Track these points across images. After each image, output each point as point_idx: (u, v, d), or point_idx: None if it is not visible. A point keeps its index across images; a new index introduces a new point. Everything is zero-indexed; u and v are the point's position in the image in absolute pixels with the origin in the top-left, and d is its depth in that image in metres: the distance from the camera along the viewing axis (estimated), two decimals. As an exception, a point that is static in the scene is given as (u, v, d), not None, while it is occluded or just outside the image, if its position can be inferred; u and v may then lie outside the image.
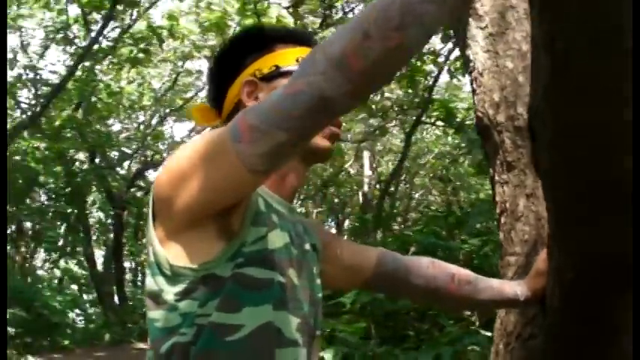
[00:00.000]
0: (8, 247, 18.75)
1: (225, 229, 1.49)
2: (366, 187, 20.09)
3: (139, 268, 26.07)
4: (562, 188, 1.58)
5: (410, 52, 1.29)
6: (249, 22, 14.55)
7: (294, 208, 1.75)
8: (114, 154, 18.71)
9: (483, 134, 2.62)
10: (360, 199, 20.64)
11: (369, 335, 8.05)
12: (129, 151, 19.09)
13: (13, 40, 18.17)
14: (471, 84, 2.71)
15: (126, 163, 20.38)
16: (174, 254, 1.48)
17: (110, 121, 19.77)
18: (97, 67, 16.61)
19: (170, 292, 1.47)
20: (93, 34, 14.12)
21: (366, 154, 20.42)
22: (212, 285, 1.47)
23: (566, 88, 1.35)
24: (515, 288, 2.07)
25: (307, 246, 1.73)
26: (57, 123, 15.83)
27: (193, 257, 1.47)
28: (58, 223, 20.99)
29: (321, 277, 1.84)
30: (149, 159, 19.84)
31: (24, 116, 16.09)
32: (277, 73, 1.70)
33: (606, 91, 1.31)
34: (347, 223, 22.52)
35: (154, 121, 20.82)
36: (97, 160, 18.23)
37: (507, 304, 2.16)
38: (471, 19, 2.70)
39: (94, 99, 16.79)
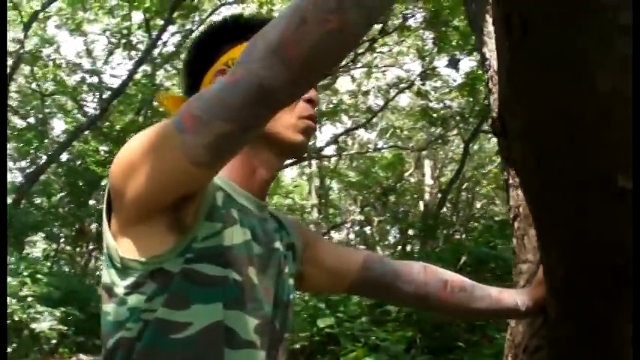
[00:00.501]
0: (68, 248, 19.03)
1: (177, 223, 1.43)
2: (427, 196, 19.92)
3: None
4: (536, 181, 1.47)
5: (351, 37, 1.19)
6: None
7: (263, 204, 1.67)
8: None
9: (499, 136, 2.51)
10: (422, 208, 20.48)
11: (414, 345, 7.94)
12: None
13: (78, 44, 18.39)
14: (487, 84, 2.60)
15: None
16: (125, 247, 1.42)
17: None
18: (160, 72, 16.78)
19: (120, 286, 1.42)
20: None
21: (427, 163, 20.26)
22: (160, 280, 1.41)
23: (526, 69, 1.24)
24: (515, 297, 1.99)
25: (277, 244, 1.65)
26: (118, 127, 16.03)
27: (142, 250, 1.41)
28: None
29: (302, 279, 1.80)
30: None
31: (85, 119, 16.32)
32: None
33: (570, 67, 1.20)
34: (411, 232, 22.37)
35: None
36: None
37: (507, 314, 2.06)
38: (487, 15, 2.59)
39: (155, 103, 16.96)
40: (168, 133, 1.31)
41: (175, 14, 14.19)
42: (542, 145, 1.35)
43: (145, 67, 15.85)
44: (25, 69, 16.83)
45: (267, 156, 1.64)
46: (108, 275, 1.45)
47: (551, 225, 1.55)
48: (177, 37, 16.59)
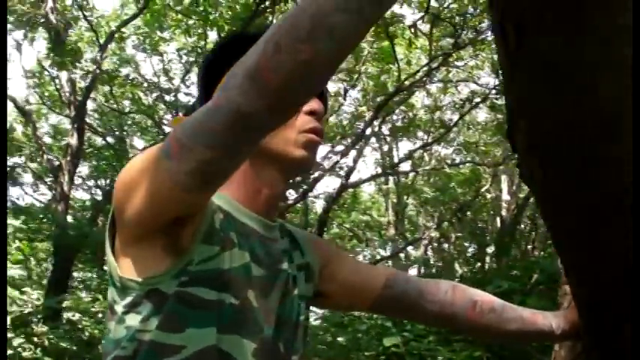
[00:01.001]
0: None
1: (173, 245, 1.42)
2: (504, 212, 19.61)
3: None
4: (548, 198, 1.39)
5: (324, 67, 1.17)
6: (384, 44, 14.77)
7: (270, 224, 1.64)
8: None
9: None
10: (499, 224, 20.18)
11: (482, 365, 7.78)
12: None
13: (155, 63, 18.69)
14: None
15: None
16: (124, 266, 1.44)
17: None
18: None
19: (120, 304, 1.44)
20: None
21: (504, 178, 19.96)
22: (155, 301, 1.42)
23: (524, 79, 1.18)
24: (550, 320, 1.90)
25: (284, 265, 1.63)
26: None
27: (140, 271, 1.42)
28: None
29: (323, 297, 1.77)
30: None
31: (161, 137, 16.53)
32: None
33: (570, 76, 1.12)
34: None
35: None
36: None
37: (541, 337, 1.97)
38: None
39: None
40: (159, 157, 1.31)
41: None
42: (547, 159, 1.28)
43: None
44: (103, 88, 17.14)
45: (271, 174, 1.62)
46: (110, 293, 1.47)
47: (568, 246, 1.47)
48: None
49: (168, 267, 1.41)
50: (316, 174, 16.35)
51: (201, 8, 14.09)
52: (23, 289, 10.73)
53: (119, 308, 1.43)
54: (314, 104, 1.61)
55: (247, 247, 1.54)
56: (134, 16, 14.81)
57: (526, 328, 1.87)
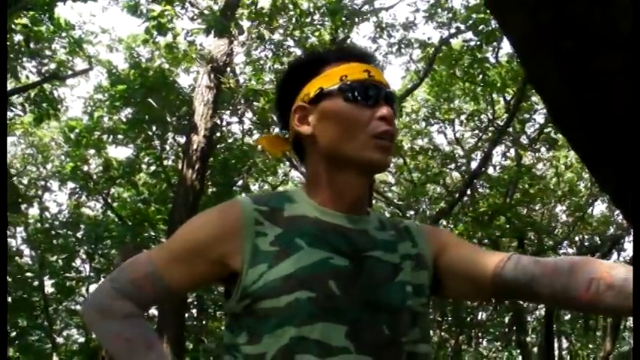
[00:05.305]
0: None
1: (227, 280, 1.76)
2: None
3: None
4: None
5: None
6: None
7: (356, 217, 1.80)
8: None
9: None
10: None
11: None
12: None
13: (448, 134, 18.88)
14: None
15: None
16: None
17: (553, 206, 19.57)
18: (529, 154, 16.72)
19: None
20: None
21: None
22: (236, 320, 1.73)
23: None
24: None
25: (375, 253, 1.76)
26: (482, 209, 16.11)
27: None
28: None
29: (439, 286, 1.85)
30: (586, 244, 19.14)
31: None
32: (321, 95, 1.79)
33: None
34: None
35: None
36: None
37: None
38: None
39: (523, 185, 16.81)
40: None
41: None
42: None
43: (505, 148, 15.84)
44: (397, 160, 17.52)
45: (350, 176, 1.79)
46: None
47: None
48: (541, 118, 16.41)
49: (233, 295, 1.70)
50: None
51: (478, 72, 14.12)
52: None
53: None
54: (384, 110, 1.76)
55: (324, 244, 1.72)
56: (413, 88, 15.18)
57: None
